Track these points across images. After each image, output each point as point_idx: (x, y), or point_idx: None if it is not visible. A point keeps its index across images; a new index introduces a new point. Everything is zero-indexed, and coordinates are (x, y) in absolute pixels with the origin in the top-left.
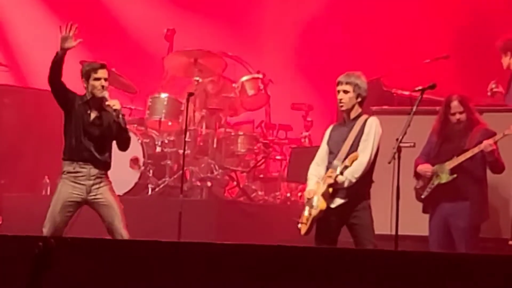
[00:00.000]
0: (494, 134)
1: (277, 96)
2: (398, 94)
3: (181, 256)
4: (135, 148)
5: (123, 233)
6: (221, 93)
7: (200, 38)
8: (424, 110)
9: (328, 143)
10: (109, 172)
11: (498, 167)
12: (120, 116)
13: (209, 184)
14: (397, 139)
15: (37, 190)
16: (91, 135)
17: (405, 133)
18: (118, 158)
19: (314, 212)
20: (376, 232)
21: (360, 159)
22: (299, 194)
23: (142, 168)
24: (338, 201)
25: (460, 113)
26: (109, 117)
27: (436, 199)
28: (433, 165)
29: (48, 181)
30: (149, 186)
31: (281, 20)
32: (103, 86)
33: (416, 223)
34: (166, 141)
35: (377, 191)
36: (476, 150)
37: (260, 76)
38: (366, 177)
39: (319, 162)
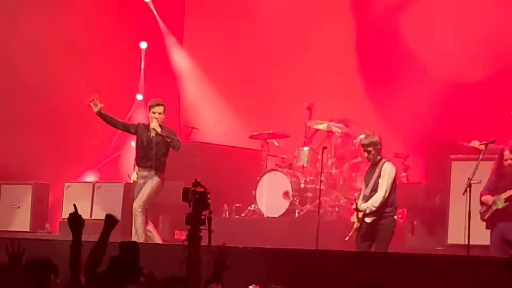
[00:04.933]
0: None
1: (384, 148)
2: (469, 147)
3: (318, 260)
4: (286, 184)
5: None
6: (346, 146)
7: (330, 110)
8: (487, 158)
9: (364, 180)
10: (268, 201)
11: None
12: (160, 130)
13: (337, 209)
14: (468, 178)
15: (220, 214)
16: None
17: (474, 174)
18: (275, 191)
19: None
20: (454, 242)
21: (378, 193)
22: (399, 216)
23: (291, 198)
24: (371, 218)
25: (511, 159)
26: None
27: (495, 219)
28: (492, 196)
29: (227, 208)
30: (296, 210)
31: (386, 92)
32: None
33: (482, 236)
34: (308, 180)
35: (455, 214)
36: None
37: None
38: (387, 203)
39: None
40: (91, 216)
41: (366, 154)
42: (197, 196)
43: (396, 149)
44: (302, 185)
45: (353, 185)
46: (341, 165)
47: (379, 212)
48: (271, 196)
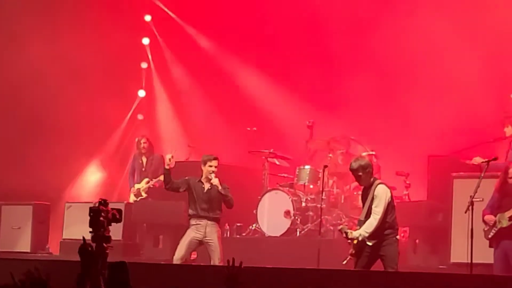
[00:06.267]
0: None
1: (385, 166)
2: (471, 164)
3: (320, 280)
4: (287, 203)
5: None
6: (347, 165)
7: (331, 126)
8: (489, 175)
9: (362, 201)
10: (270, 220)
11: None
12: (220, 188)
13: (339, 228)
14: (470, 196)
15: (221, 233)
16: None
17: (476, 191)
18: (276, 210)
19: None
20: (457, 261)
21: (370, 220)
22: (402, 234)
23: (293, 217)
24: (372, 241)
25: None
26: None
27: (499, 238)
28: (495, 214)
29: (228, 227)
30: (297, 229)
31: (386, 112)
32: (213, 171)
33: (485, 254)
34: (309, 199)
35: (458, 232)
36: None
37: (373, 153)
38: (384, 225)
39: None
40: None
41: (356, 180)
42: (91, 214)
43: (398, 167)
44: (304, 204)
45: (355, 204)
46: (343, 184)
47: (378, 235)
48: (272, 215)
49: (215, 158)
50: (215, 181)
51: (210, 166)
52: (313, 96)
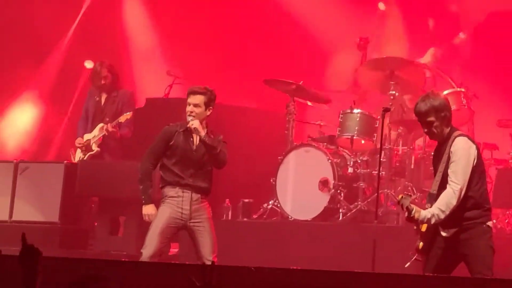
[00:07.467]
0: None
1: (482, 112)
2: None
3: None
4: (325, 168)
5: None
6: None
7: (396, 49)
8: None
9: (433, 167)
10: (296, 194)
11: None
12: (203, 134)
13: (398, 198)
14: None
15: (218, 214)
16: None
17: None
18: (306, 179)
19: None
20: None
21: (446, 191)
22: (506, 221)
23: (332, 190)
24: (447, 231)
25: None
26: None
27: None
28: None
29: (229, 205)
30: (340, 210)
31: (490, 31)
32: (190, 112)
33: None
34: (359, 161)
35: None
36: None
37: (463, 90)
38: (467, 203)
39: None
40: (11, 217)
41: (425, 129)
42: None
43: (501, 113)
44: (350, 170)
45: (432, 171)
46: (413, 139)
47: (458, 219)
48: (301, 187)
49: (195, 91)
50: (195, 123)
51: (188, 104)
52: None
